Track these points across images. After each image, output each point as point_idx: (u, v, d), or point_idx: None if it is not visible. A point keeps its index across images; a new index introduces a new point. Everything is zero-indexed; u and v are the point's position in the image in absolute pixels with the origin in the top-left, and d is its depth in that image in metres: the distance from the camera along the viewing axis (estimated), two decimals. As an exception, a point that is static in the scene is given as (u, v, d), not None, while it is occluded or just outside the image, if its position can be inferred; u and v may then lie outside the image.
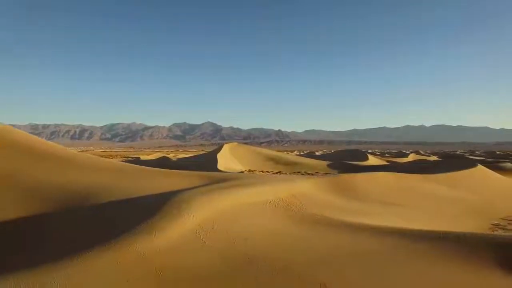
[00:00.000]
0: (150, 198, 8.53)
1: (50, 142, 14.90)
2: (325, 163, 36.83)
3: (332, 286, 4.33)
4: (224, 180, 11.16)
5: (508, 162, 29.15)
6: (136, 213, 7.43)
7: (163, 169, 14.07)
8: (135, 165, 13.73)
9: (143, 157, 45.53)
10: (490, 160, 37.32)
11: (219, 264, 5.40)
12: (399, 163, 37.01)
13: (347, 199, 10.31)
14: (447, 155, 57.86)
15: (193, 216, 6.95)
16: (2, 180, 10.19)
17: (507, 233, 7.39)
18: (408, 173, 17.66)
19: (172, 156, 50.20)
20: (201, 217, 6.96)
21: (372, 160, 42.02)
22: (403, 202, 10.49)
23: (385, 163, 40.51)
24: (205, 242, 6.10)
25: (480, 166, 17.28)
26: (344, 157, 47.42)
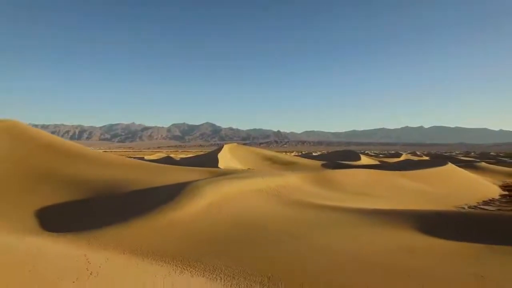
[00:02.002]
0: (169, 186, 10.85)
1: (79, 144, 17.20)
2: (319, 163, 39.06)
3: (301, 236, 6.66)
4: (226, 174, 13.48)
5: (483, 161, 31.62)
6: (160, 197, 9.74)
7: (174, 166, 16.35)
8: (151, 163, 16.03)
9: (147, 157, 47.66)
10: (474, 160, 39.74)
11: (225, 228, 7.69)
12: (388, 162, 39.33)
13: (326, 190, 12.64)
14: (437, 156, 60.39)
15: (205, 198, 9.26)
16: (50, 174, 12.56)
17: (424, 209, 9.71)
18: (392, 171, 19.98)
19: (173, 156, 52.34)
20: (210, 199, 9.27)
21: (365, 160, 44.29)
22: (372, 193, 12.82)
23: (376, 162, 42.81)
24: (214, 215, 8.41)
25: (450, 165, 19.62)
26: (338, 158, 49.66)
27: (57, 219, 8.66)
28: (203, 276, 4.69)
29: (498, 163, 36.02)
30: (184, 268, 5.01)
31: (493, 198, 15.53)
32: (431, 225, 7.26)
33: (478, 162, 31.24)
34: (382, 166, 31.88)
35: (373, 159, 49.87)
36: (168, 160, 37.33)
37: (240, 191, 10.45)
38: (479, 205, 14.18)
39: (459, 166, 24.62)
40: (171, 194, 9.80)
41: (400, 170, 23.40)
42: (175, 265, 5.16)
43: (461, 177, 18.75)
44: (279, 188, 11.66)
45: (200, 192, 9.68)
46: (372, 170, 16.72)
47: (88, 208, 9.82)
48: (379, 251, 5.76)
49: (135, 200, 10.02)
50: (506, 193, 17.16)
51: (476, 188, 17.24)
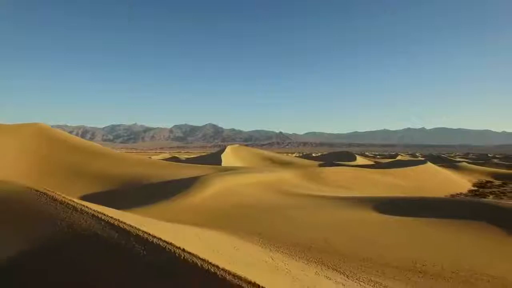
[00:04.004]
0: (183, 179, 13.31)
1: (99, 145, 19.73)
2: (317, 163, 41.41)
3: (284, 213, 9.08)
4: (228, 170, 15.93)
5: (465, 162, 33.89)
6: (177, 187, 12.19)
7: (183, 164, 18.81)
8: (165, 161, 18.49)
9: (153, 158, 50.15)
10: (464, 160, 41.97)
11: (229, 209, 10.11)
12: (381, 162, 41.61)
13: (313, 184, 15.06)
14: (432, 156, 62.61)
15: (212, 188, 11.70)
16: (78, 170, 15.08)
17: (383, 195, 12.08)
18: (379, 169, 22.34)
19: (178, 157, 54.72)
20: (217, 189, 11.70)
21: (360, 161, 46.57)
22: (352, 186, 15.22)
23: (371, 162, 45.07)
24: (220, 200, 10.85)
25: (429, 164, 21.92)
26: (336, 158, 51.94)
27: (97, 203, 11.12)
28: (217, 231, 7.12)
29: (485, 163, 38.19)
30: (202, 228, 7.45)
31: (461, 192, 17.86)
32: (382, 206, 9.67)
33: (460, 162, 33.52)
34: (374, 166, 34.14)
35: (369, 159, 52.13)
36: (174, 161, 39.81)
37: (241, 183, 12.89)
38: (446, 197, 16.48)
39: (442, 166, 26.91)
40: (186, 184, 12.26)
41: (387, 168, 25.69)
42: (197, 227, 7.59)
43: (437, 174, 21.08)
44: (273, 182, 14.09)
45: (209, 183, 12.15)
46: (356, 168, 19.11)
47: (119, 196, 12.30)
48: (337, 221, 8.19)
49: (157, 190, 12.49)
50: (475, 188, 19.47)
51: (448, 184, 19.56)
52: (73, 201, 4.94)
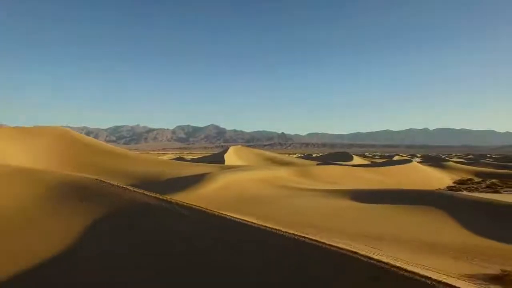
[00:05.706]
0: (192, 176, 15.48)
1: (114, 146, 22.00)
2: (315, 163, 43.45)
3: (279, 202, 11.22)
4: (231, 167, 18.09)
5: (452, 161, 35.93)
6: (188, 182, 14.35)
7: (192, 163, 20.99)
8: (175, 161, 20.70)
9: (159, 158, 52.38)
10: (455, 160, 43.94)
11: (232, 199, 12.25)
12: (377, 162, 43.61)
13: (305, 179, 17.17)
14: (427, 157, 64.52)
15: (217, 182, 13.85)
16: (98, 167, 17.30)
17: (362, 188, 14.14)
18: (369, 168, 24.42)
19: (184, 157, 56.93)
20: (221, 183, 13.85)
21: (357, 161, 48.59)
22: (339, 182, 17.31)
23: (367, 162, 47.05)
24: (225, 193, 13.00)
25: (414, 163, 23.96)
26: (333, 158, 53.95)
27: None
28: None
29: (474, 163, 40.11)
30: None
31: (439, 188, 19.88)
32: (359, 196, 11.78)
33: (447, 161, 35.51)
34: (367, 165, 36.12)
35: (366, 159, 54.14)
36: (181, 160, 42.00)
37: (243, 178, 15.05)
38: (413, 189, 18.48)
39: (430, 165, 28.90)
40: (195, 180, 14.43)
41: (377, 167, 27.61)
42: (207, 210, 9.71)
43: (420, 172, 23.11)
44: (270, 177, 16.24)
45: (216, 178, 14.33)
46: (345, 167, 21.22)
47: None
48: (319, 207, 10.32)
49: (170, 184, 14.65)
50: (453, 184, 21.48)
51: (429, 180, 21.59)
52: (123, 185, 7.13)
